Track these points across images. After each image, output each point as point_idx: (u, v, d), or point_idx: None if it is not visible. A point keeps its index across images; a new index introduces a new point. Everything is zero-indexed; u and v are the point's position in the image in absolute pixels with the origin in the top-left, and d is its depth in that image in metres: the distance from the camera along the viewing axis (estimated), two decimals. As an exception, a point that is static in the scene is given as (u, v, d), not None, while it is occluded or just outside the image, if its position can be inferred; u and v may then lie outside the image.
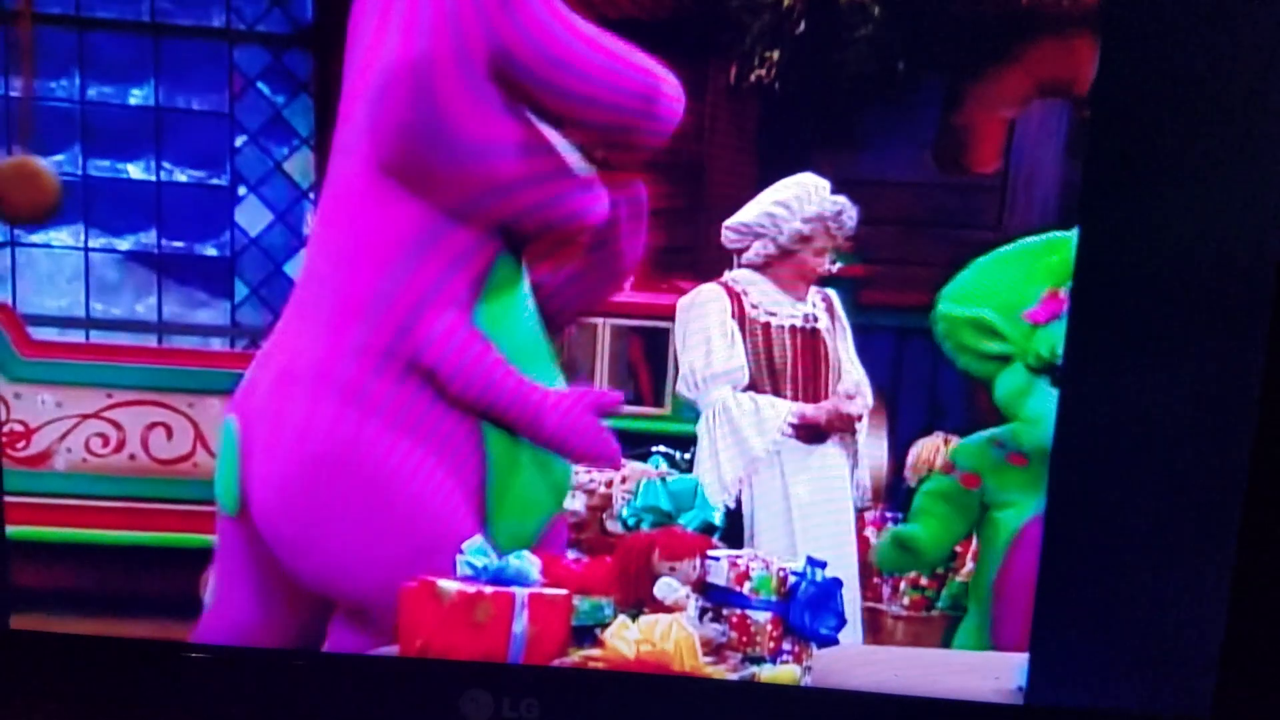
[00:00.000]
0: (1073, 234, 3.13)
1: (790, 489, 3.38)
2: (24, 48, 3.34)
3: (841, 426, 3.35)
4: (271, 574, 3.21)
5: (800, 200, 3.39)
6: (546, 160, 3.01)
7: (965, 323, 3.45)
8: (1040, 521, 3.19)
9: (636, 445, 3.51)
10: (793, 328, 3.48)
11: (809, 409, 3.38)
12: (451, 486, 3.07)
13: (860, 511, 3.48)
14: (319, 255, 3.18)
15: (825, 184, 3.39)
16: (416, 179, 2.98)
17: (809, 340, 3.43)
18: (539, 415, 3.08)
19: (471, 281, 3.09)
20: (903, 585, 3.72)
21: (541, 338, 3.20)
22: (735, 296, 3.51)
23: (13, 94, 3.33)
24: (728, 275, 3.45)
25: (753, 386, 3.42)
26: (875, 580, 3.70)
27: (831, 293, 3.47)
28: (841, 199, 3.33)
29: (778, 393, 3.46)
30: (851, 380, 3.13)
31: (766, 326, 3.44)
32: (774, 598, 3.05)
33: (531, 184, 2.99)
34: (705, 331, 3.47)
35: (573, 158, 3.06)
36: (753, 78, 3.78)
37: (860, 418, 3.26)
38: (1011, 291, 3.45)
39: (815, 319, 3.40)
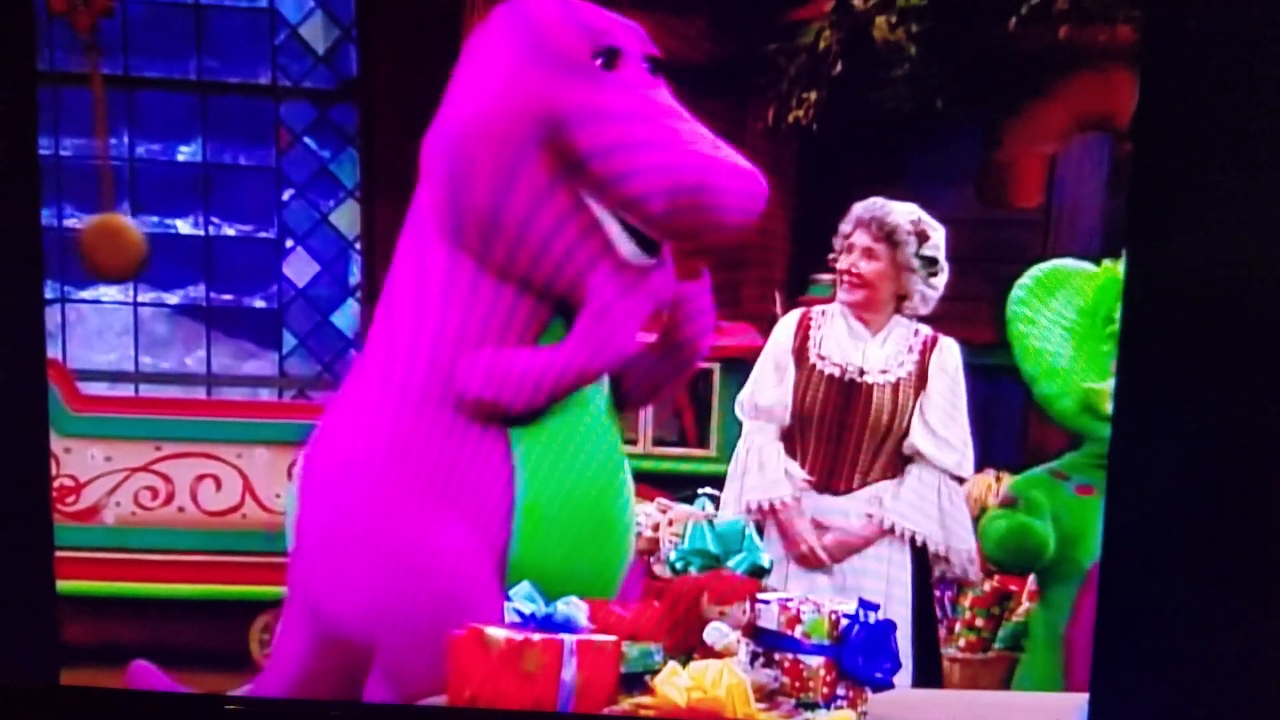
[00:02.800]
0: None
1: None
2: (99, 109, 3.33)
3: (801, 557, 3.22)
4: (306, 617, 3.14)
5: (853, 210, 3.28)
6: (590, 239, 2.90)
7: (1105, 394, 3.31)
8: None
9: (682, 488, 3.46)
10: (831, 377, 3.35)
11: (795, 523, 3.24)
12: (477, 541, 2.99)
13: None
14: (382, 316, 3.11)
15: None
16: (457, 234, 2.90)
17: (843, 392, 3.27)
18: (576, 352, 2.95)
19: (517, 338, 2.99)
20: (958, 627, 3.60)
21: (601, 405, 3.10)
22: (803, 328, 3.38)
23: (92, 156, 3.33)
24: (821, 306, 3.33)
25: (789, 430, 3.29)
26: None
27: (945, 344, 3.23)
28: (885, 200, 3.20)
29: (803, 440, 3.30)
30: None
31: (812, 367, 3.32)
32: (827, 641, 2.95)
33: (570, 259, 2.89)
34: (764, 359, 3.36)
35: (626, 245, 2.94)
36: (791, 119, 3.74)
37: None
38: (1094, 343, 3.30)
39: (862, 371, 3.23)
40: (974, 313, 3.32)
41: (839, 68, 3.68)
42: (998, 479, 3.45)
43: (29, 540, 3.30)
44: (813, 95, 3.70)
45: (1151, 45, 3.12)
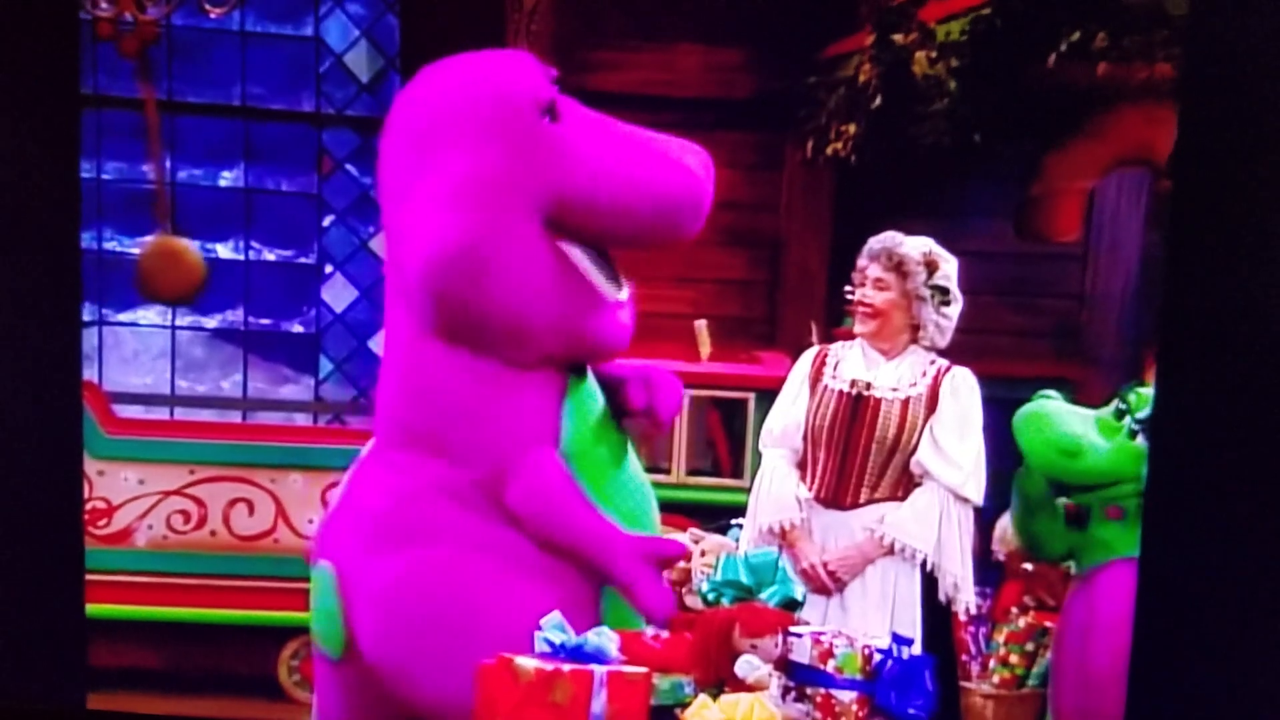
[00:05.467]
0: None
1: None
2: (153, 133, 3.31)
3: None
4: (377, 712, 3.03)
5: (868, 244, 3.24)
6: (586, 296, 2.81)
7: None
8: (1111, 569, 3.06)
9: (716, 518, 3.37)
10: (840, 392, 3.27)
11: (800, 543, 3.22)
12: (559, 601, 2.89)
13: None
14: (391, 400, 2.90)
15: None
16: (472, 339, 2.74)
17: (850, 405, 3.23)
18: (609, 561, 2.92)
19: (548, 413, 2.90)
20: (992, 663, 3.53)
21: (623, 441, 3.02)
22: (820, 358, 3.22)
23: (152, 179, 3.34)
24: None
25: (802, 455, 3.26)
26: (964, 659, 3.52)
27: (959, 372, 3.11)
28: (898, 234, 3.16)
29: (811, 455, 3.16)
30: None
31: (825, 388, 3.27)
32: (859, 676, 2.83)
33: (572, 319, 2.79)
34: (783, 390, 3.30)
35: (610, 292, 2.86)
36: (829, 151, 3.76)
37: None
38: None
39: (869, 385, 3.20)
40: (1012, 346, 3.24)
41: (878, 101, 3.68)
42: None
43: (60, 563, 3.21)
44: (851, 128, 3.71)
45: (1190, 82, 3.01)
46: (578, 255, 2.67)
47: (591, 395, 2.80)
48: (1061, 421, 3.18)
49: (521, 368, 2.69)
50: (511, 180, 2.58)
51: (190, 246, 3.32)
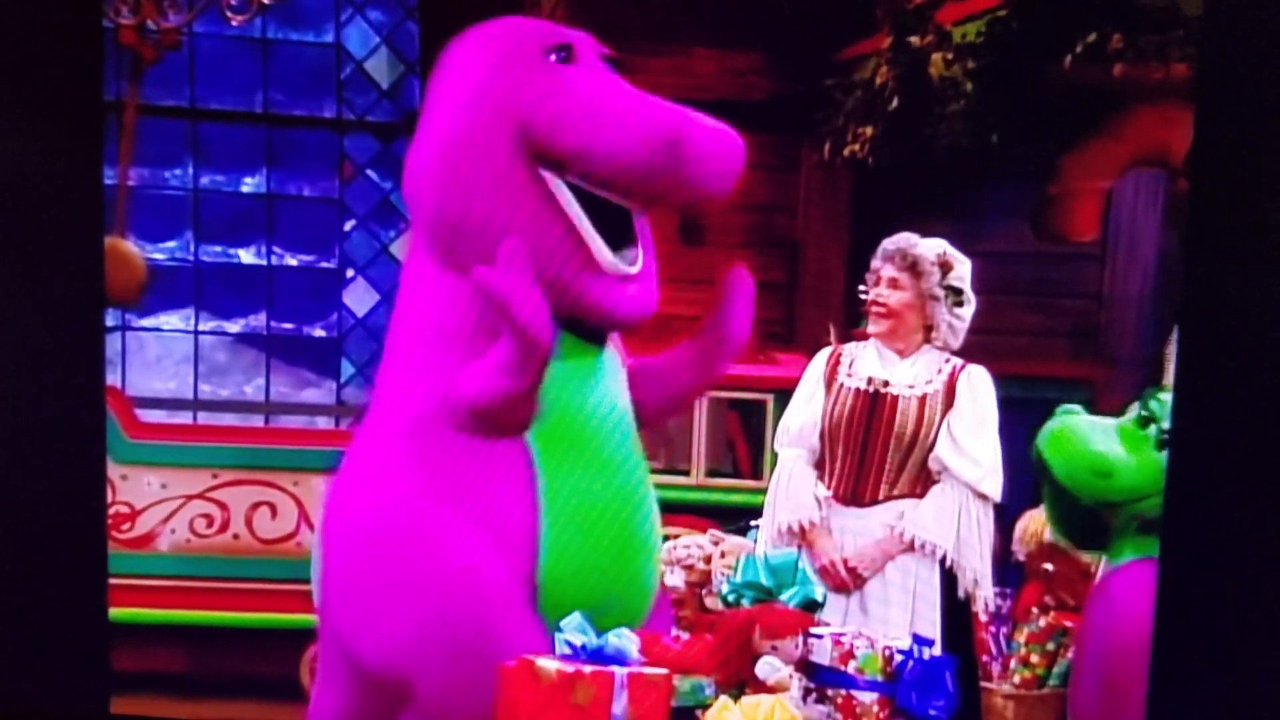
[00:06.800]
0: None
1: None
2: (127, 136, 3.29)
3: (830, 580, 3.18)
4: (342, 672, 3.00)
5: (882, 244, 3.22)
6: (570, 245, 2.77)
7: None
8: (1131, 569, 3.00)
9: (734, 519, 3.37)
10: (857, 390, 3.15)
11: (819, 541, 3.20)
12: (495, 549, 2.84)
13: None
14: (389, 349, 2.90)
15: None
16: (449, 254, 2.68)
17: (868, 403, 3.22)
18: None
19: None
20: (1013, 664, 3.50)
21: (621, 420, 2.97)
22: (835, 357, 3.19)
23: (114, 181, 3.31)
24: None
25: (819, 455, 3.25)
26: (985, 659, 3.47)
27: (974, 369, 3.05)
28: (913, 235, 3.14)
29: (830, 453, 3.12)
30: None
31: (840, 386, 3.26)
32: (880, 677, 2.80)
33: (555, 269, 2.76)
34: (798, 389, 3.27)
35: (606, 257, 2.81)
36: (847, 153, 3.76)
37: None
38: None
39: (886, 384, 3.18)
40: (1030, 346, 3.21)
41: (895, 103, 3.68)
42: (1054, 514, 3.33)
43: (83, 568, 3.19)
44: (868, 130, 3.70)
45: (1206, 82, 2.97)
46: (571, 203, 2.61)
47: (592, 367, 2.74)
48: (1089, 440, 3.13)
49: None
50: (496, 98, 2.58)
51: (134, 250, 3.31)
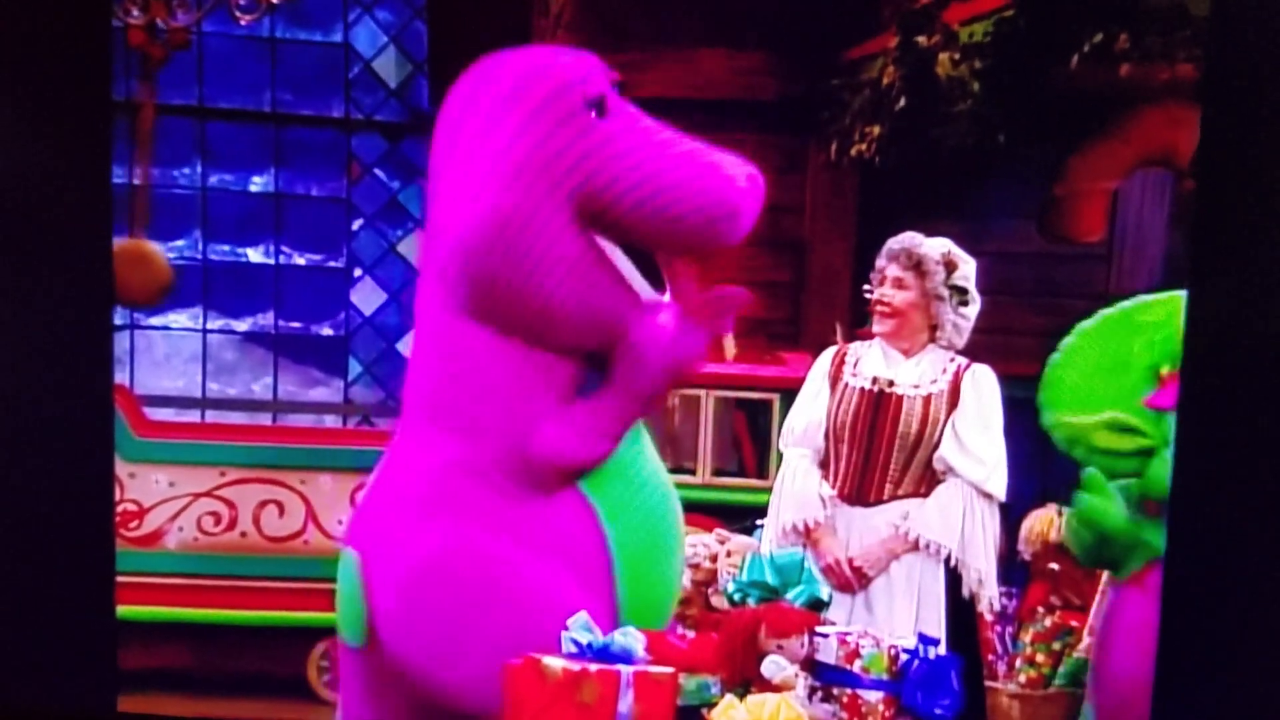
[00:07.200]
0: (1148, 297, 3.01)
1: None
2: (144, 137, 3.28)
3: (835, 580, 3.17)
4: (398, 702, 2.98)
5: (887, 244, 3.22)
6: (620, 293, 2.75)
7: (1096, 427, 3.17)
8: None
9: (740, 518, 3.35)
10: (862, 389, 3.13)
11: (824, 540, 3.20)
12: (576, 585, 2.85)
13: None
14: (420, 378, 2.90)
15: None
16: (500, 319, 2.69)
17: (873, 402, 3.21)
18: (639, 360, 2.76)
19: (564, 392, 2.86)
20: (1018, 663, 3.47)
21: (642, 435, 3.00)
22: (840, 356, 3.19)
23: (134, 181, 3.31)
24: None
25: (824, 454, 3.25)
26: (990, 658, 3.44)
27: (979, 369, 3.05)
28: (918, 234, 3.14)
29: (835, 452, 3.11)
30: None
31: (845, 385, 3.25)
32: (885, 676, 2.79)
33: (601, 312, 2.70)
34: (803, 389, 3.22)
35: (641, 285, 2.84)
36: (853, 153, 3.76)
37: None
38: (1121, 384, 3.17)
39: (891, 383, 3.17)
40: (1036, 347, 3.19)
41: (902, 103, 3.67)
42: (1059, 514, 3.29)
43: (91, 565, 3.17)
44: (875, 130, 3.70)
45: (1213, 82, 2.94)
46: (614, 252, 2.65)
47: None
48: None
49: (551, 351, 2.67)
50: (546, 165, 2.58)
51: (159, 250, 3.30)
